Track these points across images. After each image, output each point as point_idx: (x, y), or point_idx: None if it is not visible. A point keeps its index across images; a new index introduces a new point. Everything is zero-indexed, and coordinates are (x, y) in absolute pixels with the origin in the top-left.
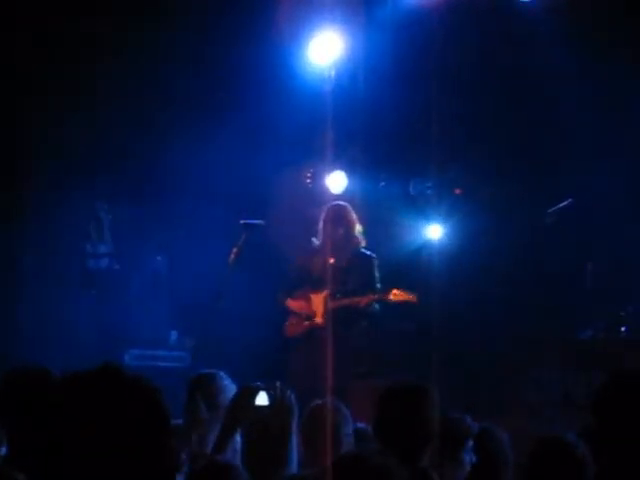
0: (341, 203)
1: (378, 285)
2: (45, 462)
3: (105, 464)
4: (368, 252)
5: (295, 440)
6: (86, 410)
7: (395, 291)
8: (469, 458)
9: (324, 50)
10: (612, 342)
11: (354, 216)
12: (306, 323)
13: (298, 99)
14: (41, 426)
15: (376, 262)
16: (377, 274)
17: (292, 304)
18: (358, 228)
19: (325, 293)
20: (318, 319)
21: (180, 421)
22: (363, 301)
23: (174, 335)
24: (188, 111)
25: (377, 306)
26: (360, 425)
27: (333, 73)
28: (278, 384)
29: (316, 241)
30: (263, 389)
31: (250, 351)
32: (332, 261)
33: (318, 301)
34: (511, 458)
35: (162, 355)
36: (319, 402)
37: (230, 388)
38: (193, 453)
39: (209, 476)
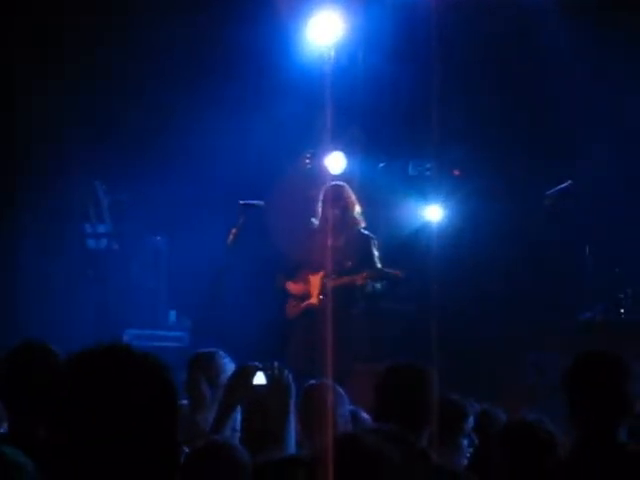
0: (339, 183)
1: (378, 264)
2: (50, 441)
3: (113, 443)
4: (367, 232)
5: (293, 420)
6: (95, 389)
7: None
8: (468, 441)
9: (324, 30)
10: (611, 325)
11: (353, 196)
12: (302, 304)
13: (297, 79)
14: (44, 404)
15: (375, 242)
16: (376, 253)
17: (291, 286)
18: (357, 209)
19: (322, 273)
20: (313, 299)
21: (185, 401)
22: (359, 279)
23: (173, 315)
24: (187, 92)
25: (378, 286)
26: (349, 407)
27: (333, 53)
28: (276, 364)
29: (315, 222)
30: (261, 369)
31: (248, 332)
32: (330, 241)
33: (315, 282)
34: None
35: (161, 335)
36: (314, 382)
37: (229, 367)
38: (195, 432)
39: (209, 455)
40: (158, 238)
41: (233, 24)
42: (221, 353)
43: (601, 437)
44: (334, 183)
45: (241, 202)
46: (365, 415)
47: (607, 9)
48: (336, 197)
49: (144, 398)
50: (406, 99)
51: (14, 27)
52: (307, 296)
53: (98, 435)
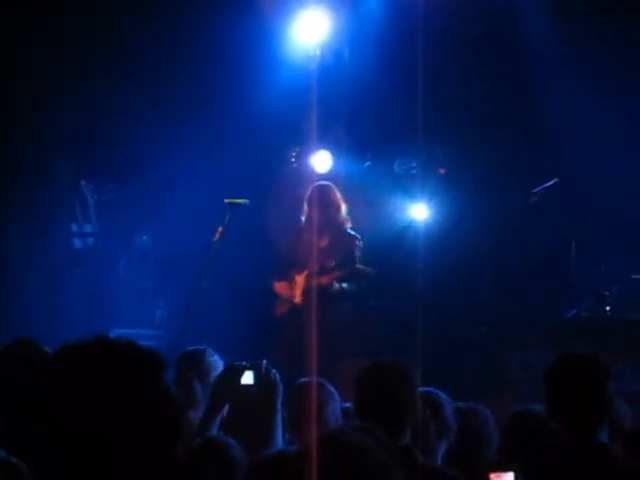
0: (326, 183)
1: (359, 265)
2: (39, 437)
3: (104, 440)
4: (352, 232)
5: (280, 418)
6: (83, 382)
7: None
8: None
9: (309, 28)
10: (597, 322)
11: (339, 196)
12: (287, 304)
13: (283, 78)
14: (32, 401)
15: (359, 242)
16: (358, 253)
17: (277, 286)
18: (343, 208)
19: (306, 272)
20: (297, 298)
21: None
22: (323, 279)
23: (159, 314)
24: (172, 91)
25: (345, 286)
26: (346, 405)
27: (318, 52)
28: (264, 363)
29: (302, 220)
30: (248, 368)
31: (235, 331)
32: (315, 241)
33: (300, 281)
34: (495, 437)
35: (147, 334)
36: (304, 380)
37: (219, 364)
38: (188, 430)
39: (206, 454)
40: (144, 237)
41: (218, 21)
42: (210, 351)
43: (581, 439)
44: (320, 183)
45: (226, 200)
46: None
47: (594, 10)
48: (322, 197)
49: (131, 388)
50: (392, 98)
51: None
52: (292, 295)
53: (86, 431)
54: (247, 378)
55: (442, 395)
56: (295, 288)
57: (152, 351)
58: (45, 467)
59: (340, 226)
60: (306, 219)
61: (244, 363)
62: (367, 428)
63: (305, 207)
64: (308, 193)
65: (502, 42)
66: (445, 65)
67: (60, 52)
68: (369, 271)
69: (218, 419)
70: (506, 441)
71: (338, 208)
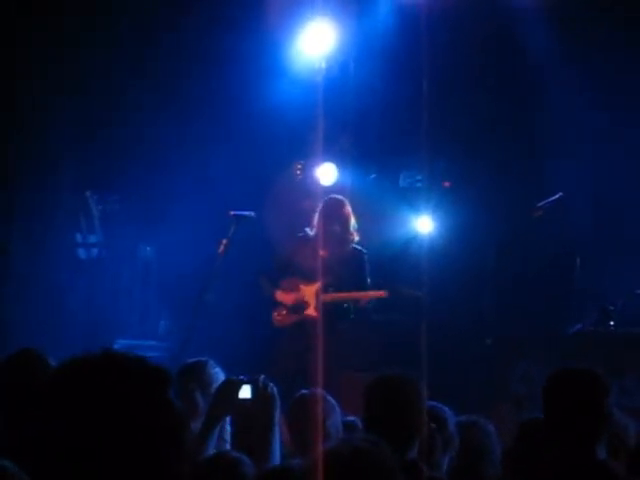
0: (338, 197)
1: (368, 280)
2: (42, 448)
3: (109, 449)
4: (359, 247)
5: (278, 432)
6: (89, 396)
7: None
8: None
9: (315, 41)
10: (601, 336)
11: (350, 211)
12: (296, 315)
13: (288, 90)
14: (37, 411)
15: (366, 257)
16: (367, 269)
17: (281, 295)
18: (353, 223)
19: (316, 286)
20: (311, 311)
21: None
22: (362, 298)
23: (163, 326)
24: (177, 103)
25: (370, 303)
26: (350, 418)
27: (324, 64)
28: (261, 377)
29: (310, 232)
30: (246, 382)
31: (238, 342)
32: (323, 254)
33: (309, 293)
34: (498, 450)
35: (150, 345)
36: (305, 392)
37: (220, 376)
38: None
39: (217, 468)
40: (148, 249)
41: (224, 34)
42: (212, 363)
43: (578, 454)
44: (333, 196)
45: (232, 213)
46: None
47: (599, 25)
48: (334, 212)
49: (137, 403)
50: (397, 110)
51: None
52: (298, 306)
53: (88, 444)
54: (245, 392)
55: (446, 409)
56: (306, 299)
57: (158, 366)
58: (47, 477)
59: (350, 240)
60: (317, 232)
61: (242, 377)
62: (372, 441)
63: (316, 219)
64: (321, 206)
65: (507, 56)
66: (450, 78)
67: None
68: (379, 295)
69: (217, 431)
70: (511, 452)
71: (349, 222)
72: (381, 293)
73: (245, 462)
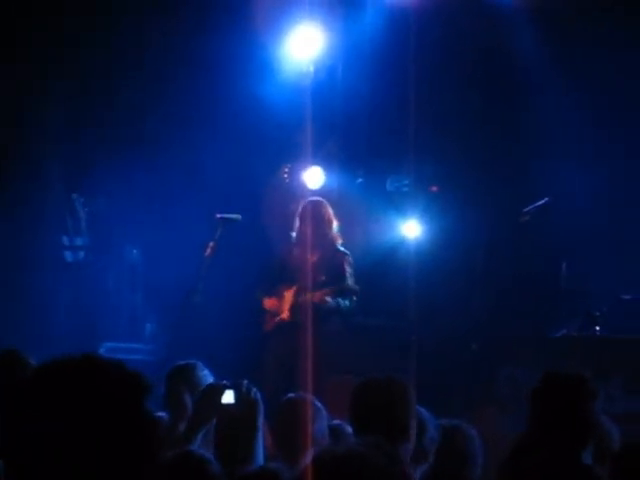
0: (318, 199)
1: (349, 282)
2: (19, 449)
3: (84, 453)
4: (342, 249)
5: (261, 437)
6: (66, 398)
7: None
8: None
9: (303, 44)
10: (586, 341)
11: (331, 212)
12: (276, 319)
13: (276, 93)
14: (13, 411)
15: (349, 259)
16: (349, 270)
17: (267, 302)
18: (334, 225)
19: (295, 288)
20: (284, 314)
21: (163, 414)
22: (316, 296)
23: (149, 328)
24: (165, 105)
25: (344, 302)
26: (336, 422)
27: (312, 67)
28: (245, 382)
29: (293, 236)
30: (229, 387)
31: (225, 345)
32: (305, 257)
33: (288, 297)
34: (480, 455)
35: (137, 348)
36: (291, 396)
37: (209, 379)
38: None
39: (178, 467)
40: (135, 251)
41: (210, 38)
42: (200, 365)
43: (564, 459)
44: (313, 199)
45: (218, 215)
46: (350, 429)
47: (589, 28)
48: (315, 213)
49: (112, 409)
50: (384, 114)
51: None
52: (280, 311)
53: (68, 443)
54: (228, 397)
55: (424, 412)
56: (283, 304)
57: (137, 373)
58: (20, 475)
59: (331, 242)
60: (297, 234)
61: (225, 382)
62: (372, 443)
63: (297, 222)
64: (300, 208)
65: (495, 59)
66: (438, 82)
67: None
68: (357, 288)
69: (201, 434)
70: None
71: (330, 224)
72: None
73: (207, 459)
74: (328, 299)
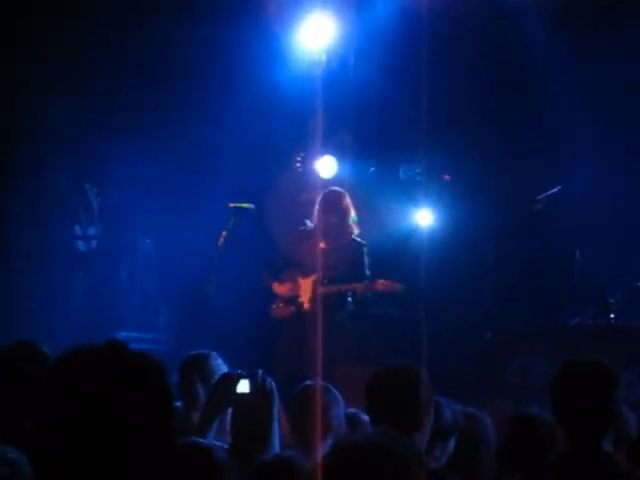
0: (338, 190)
1: (367, 272)
2: (40, 436)
3: (106, 441)
4: (359, 239)
5: (277, 426)
6: (89, 386)
7: (382, 281)
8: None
9: (315, 34)
10: (601, 329)
11: (350, 203)
12: (293, 307)
13: (288, 83)
14: (36, 400)
15: (366, 249)
16: (366, 261)
17: (279, 287)
18: (353, 216)
19: (313, 278)
20: (305, 304)
21: (178, 403)
22: (353, 291)
23: (162, 318)
24: (178, 96)
25: (368, 294)
26: (352, 410)
27: (324, 57)
28: (259, 372)
29: (310, 224)
30: (244, 377)
31: (238, 334)
32: (323, 246)
33: (306, 285)
34: (494, 442)
35: (150, 337)
36: (308, 383)
37: (222, 368)
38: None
39: (185, 456)
40: (148, 241)
41: (224, 28)
42: (214, 354)
43: (586, 446)
44: (333, 189)
45: (231, 204)
46: (366, 417)
47: (598, 25)
48: (333, 204)
49: (140, 397)
50: (397, 103)
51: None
52: (295, 298)
53: (85, 432)
54: (243, 387)
55: (442, 400)
56: (301, 292)
57: (158, 360)
58: (44, 466)
59: (349, 233)
60: (316, 224)
61: (240, 371)
62: (387, 433)
63: (315, 212)
64: (320, 198)
65: (508, 49)
66: (450, 72)
67: (60, 52)
68: (394, 289)
69: (215, 423)
70: (507, 446)
71: (348, 215)
72: (363, 286)
73: (215, 449)
74: (344, 292)
